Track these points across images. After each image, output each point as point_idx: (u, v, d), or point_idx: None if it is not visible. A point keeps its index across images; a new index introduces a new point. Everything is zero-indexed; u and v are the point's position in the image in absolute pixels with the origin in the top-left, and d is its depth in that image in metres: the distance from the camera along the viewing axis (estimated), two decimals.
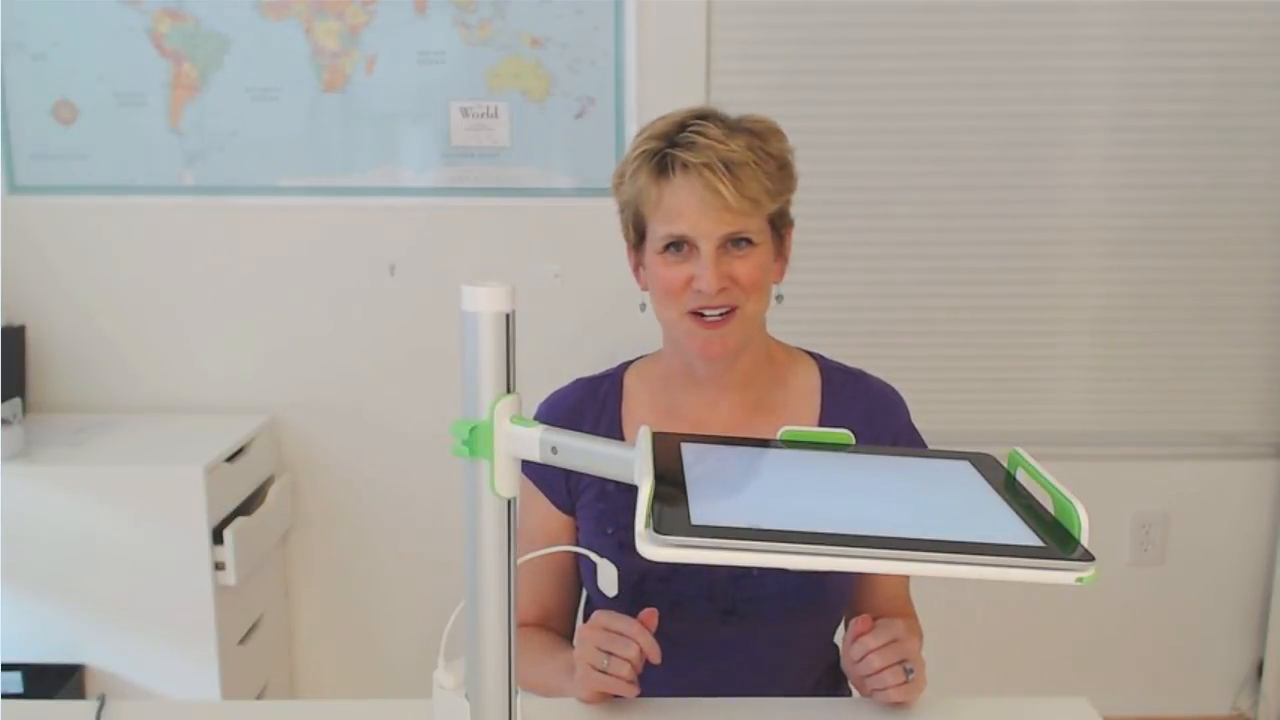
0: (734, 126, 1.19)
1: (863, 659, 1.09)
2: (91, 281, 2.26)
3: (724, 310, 1.18)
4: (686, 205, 1.15)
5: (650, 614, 1.09)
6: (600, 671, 1.08)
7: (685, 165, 1.15)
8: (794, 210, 1.28)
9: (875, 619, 1.12)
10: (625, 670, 1.07)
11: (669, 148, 1.17)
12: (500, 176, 2.22)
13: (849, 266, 2.29)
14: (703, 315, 1.18)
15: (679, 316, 1.20)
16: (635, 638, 1.07)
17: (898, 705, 1.10)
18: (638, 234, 1.24)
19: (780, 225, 1.23)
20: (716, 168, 1.13)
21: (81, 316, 2.27)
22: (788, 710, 1.11)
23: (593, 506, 1.26)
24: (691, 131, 1.16)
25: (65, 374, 2.28)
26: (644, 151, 1.19)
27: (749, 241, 1.17)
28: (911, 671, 1.10)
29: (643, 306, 1.26)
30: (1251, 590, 2.46)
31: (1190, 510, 2.42)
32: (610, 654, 1.07)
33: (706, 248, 1.15)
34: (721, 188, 1.13)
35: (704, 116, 1.18)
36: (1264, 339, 2.35)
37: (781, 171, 1.20)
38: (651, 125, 1.21)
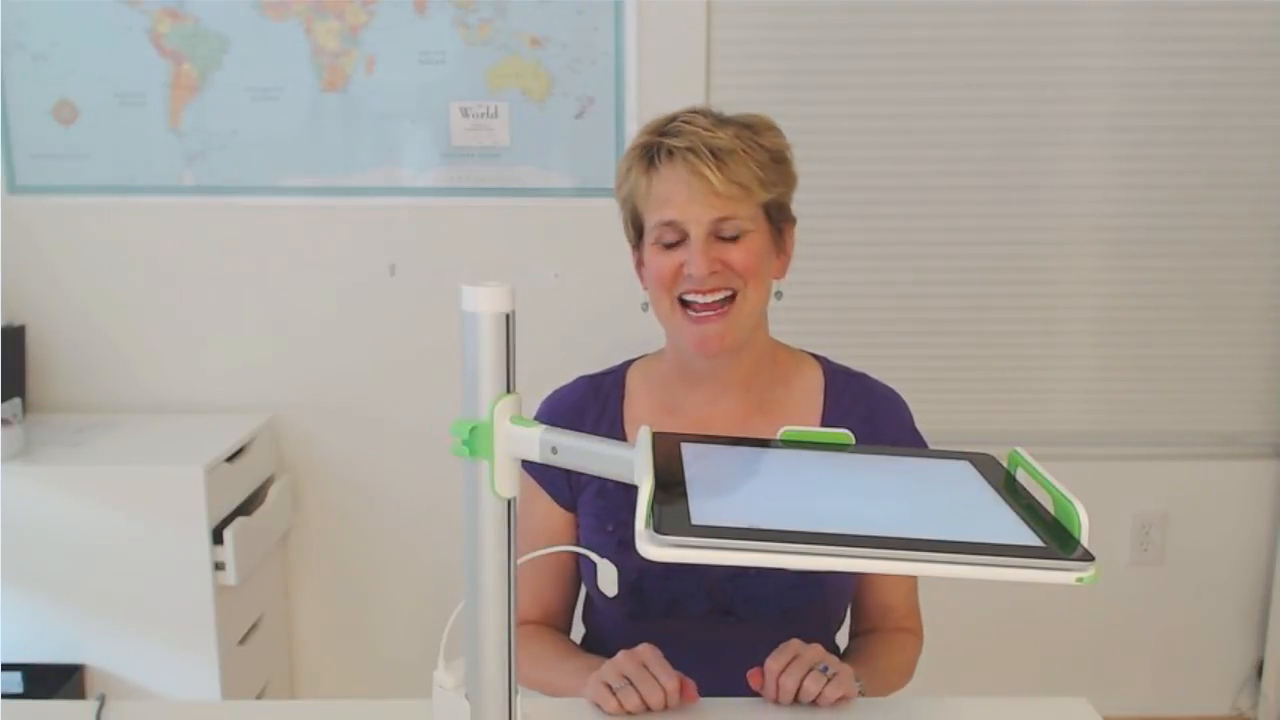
0: (724, 119, 1.21)
1: (779, 689, 1.10)
2: (91, 281, 2.26)
3: (722, 297, 1.18)
4: (674, 191, 1.17)
5: (692, 691, 1.10)
6: (609, 691, 1.09)
7: (670, 152, 1.17)
8: (794, 209, 1.28)
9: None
10: (632, 702, 1.07)
11: (657, 139, 1.19)
12: (500, 176, 2.22)
13: (849, 266, 2.29)
14: (693, 305, 1.19)
15: (672, 307, 1.20)
16: (664, 685, 1.08)
17: (841, 702, 1.11)
18: (636, 231, 1.25)
19: (779, 220, 1.24)
20: (701, 153, 1.15)
21: (81, 316, 2.27)
22: (788, 711, 1.11)
23: (593, 503, 1.27)
24: (680, 122, 1.19)
25: (65, 374, 2.28)
26: (636, 147, 1.21)
27: (740, 230, 1.18)
28: (828, 669, 1.10)
29: (645, 306, 1.26)
30: (1251, 590, 2.46)
31: (1190, 510, 2.42)
32: (629, 683, 1.08)
33: (696, 233, 1.17)
34: (706, 172, 1.15)
35: (696, 111, 1.21)
36: (1264, 339, 2.35)
37: (777, 165, 1.21)
38: (648, 124, 1.23)
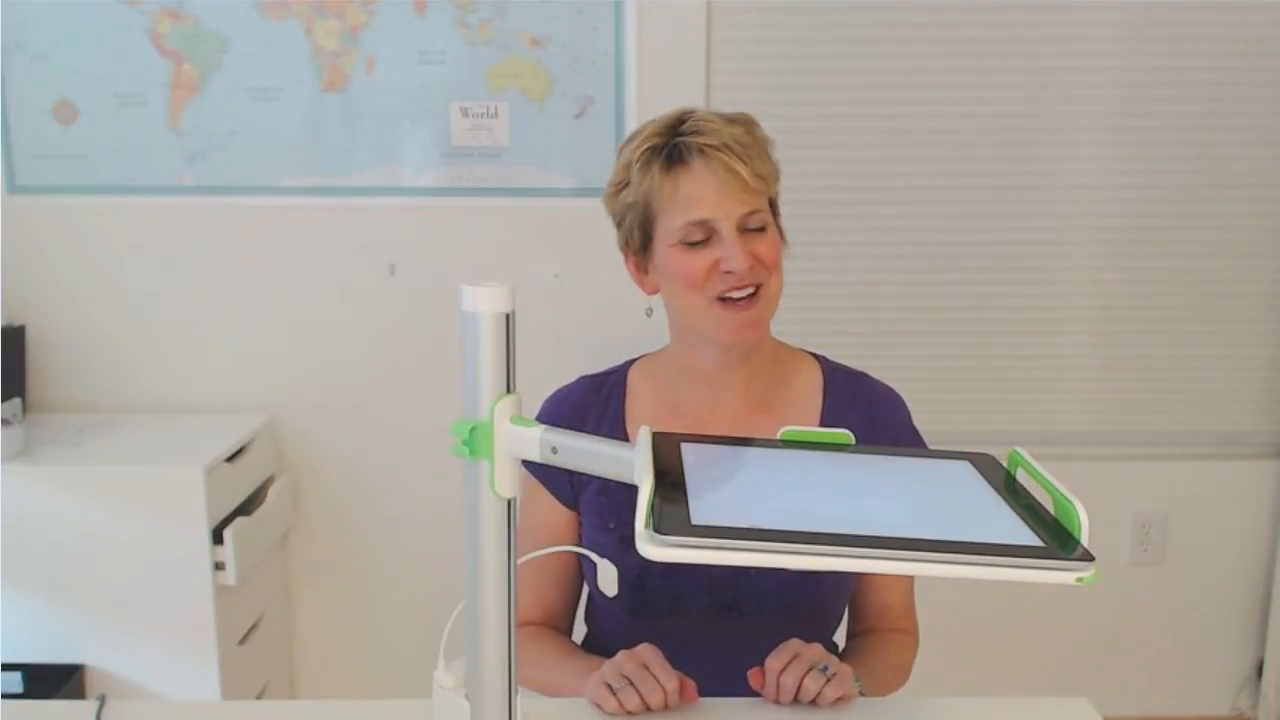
0: (729, 118, 1.22)
1: (779, 688, 1.10)
2: (91, 281, 2.26)
3: (751, 290, 1.19)
4: (705, 189, 1.17)
5: (692, 691, 1.10)
6: (609, 691, 1.09)
7: (702, 150, 1.17)
8: (792, 209, 1.30)
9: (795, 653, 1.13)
10: (633, 702, 1.08)
11: (676, 139, 1.19)
12: (500, 176, 2.22)
13: (848, 266, 2.29)
14: (731, 299, 1.18)
15: (706, 305, 1.19)
16: (664, 685, 1.08)
17: (840, 702, 1.11)
18: (644, 236, 1.23)
19: (775, 213, 1.26)
20: (733, 148, 1.16)
21: (81, 316, 2.27)
22: (788, 710, 1.11)
23: (595, 501, 1.27)
24: (695, 121, 1.19)
25: (65, 374, 2.28)
26: (648, 149, 1.20)
27: (762, 223, 1.20)
28: (828, 668, 1.10)
29: (649, 312, 1.26)
30: (1251, 590, 2.46)
31: (1190, 510, 2.42)
32: (629, 683, 1.09)
33: (728, 229, 1.17)
34: (739, 168, 1.16)
35: (697, 110, 1.22)
36: (1264, 339, 2.35)
37: (771, 159, 1.23)
38: (642, 129, 1.23)
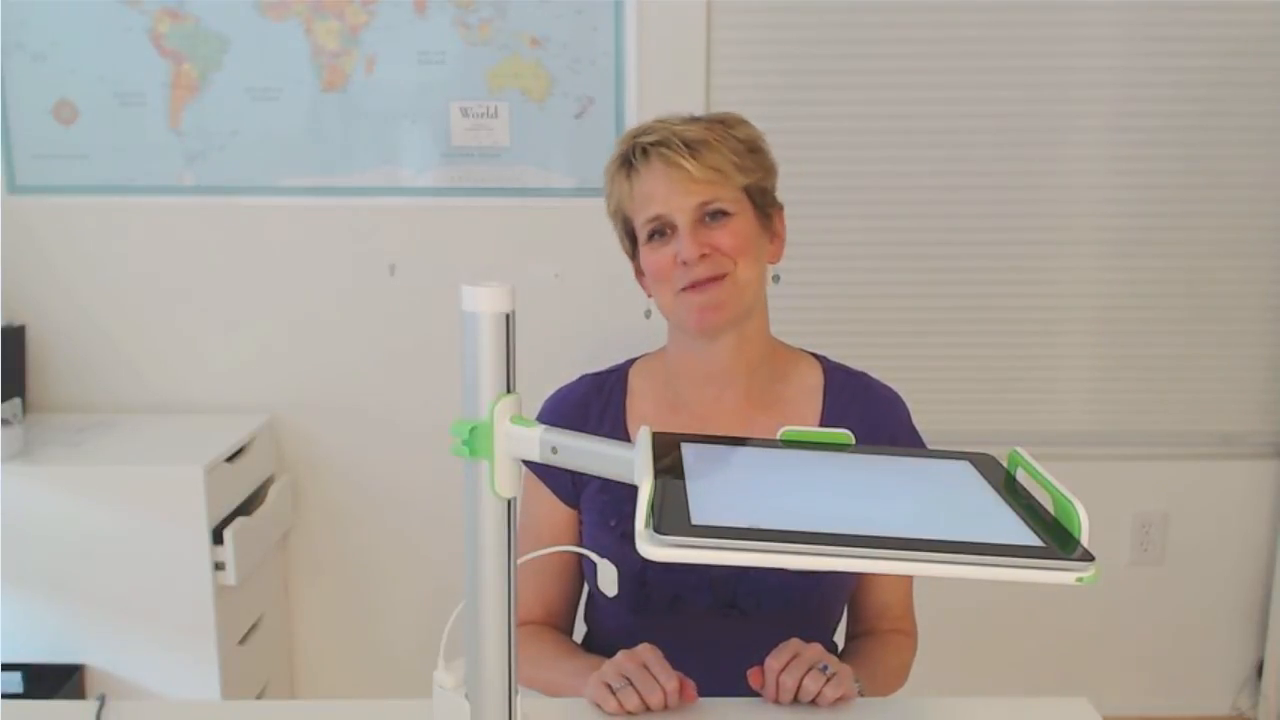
0: (695, 117, 1.25)
1: (778, 687, 1.10)
2: (91, 281, 2.26)
3: (712, 278, 1.20)
4: (654, 187, 1.21)
5: (691, 691, 1.10)
6: (609, 690, 1.09)
7: (645, 150, 1.21)
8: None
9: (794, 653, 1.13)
10: (632, 703, 1.08)
11: (631, 143, 1.24)
12: (500, 176, 2.22)
13: (849, 266, 2.29)
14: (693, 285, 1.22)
15: (673, 297, 1.23)
16: (663, 685, 1.08)
17: (840, 702, 1.11)
18: (631, 240, 1.28)
19: (765, 206, 1.26)
20: (674, 144, 1.19)
21: (81, 316, 2.26)
22: (787, 710, 1.11)
23: (596, 499, 1.27)
24: (649, 125, 1.24)
25: (65, 374, 2.28)
26: (614, 157, 1.26)
27: (724, 212, 1.21)
28: (828, 668, 1.11)
29: (647, 314, 1.29)
30: (1251, 590, 2.46)
31: (1190, 510, 2.42)
32: (629, 683, 1.09)
33: (682, 221, 1.20)
34: (682, 161, 1.19)
35: (667, 115, 1.26)
36: (1264, 339, 2.35)
37: (752, 154, 1.24)
38: (621, 135, 1.28)
